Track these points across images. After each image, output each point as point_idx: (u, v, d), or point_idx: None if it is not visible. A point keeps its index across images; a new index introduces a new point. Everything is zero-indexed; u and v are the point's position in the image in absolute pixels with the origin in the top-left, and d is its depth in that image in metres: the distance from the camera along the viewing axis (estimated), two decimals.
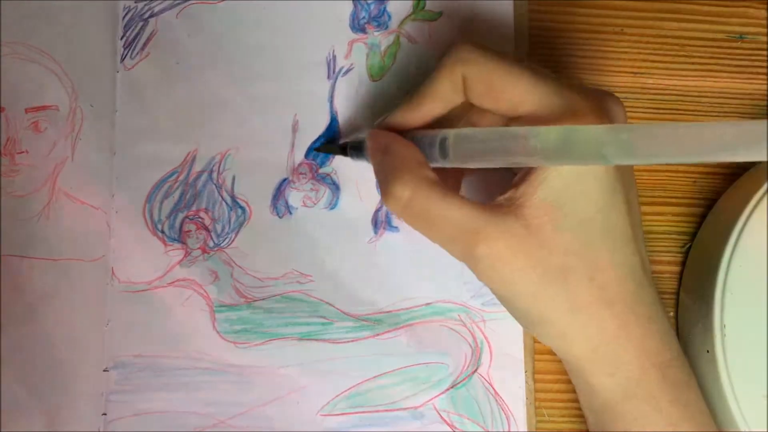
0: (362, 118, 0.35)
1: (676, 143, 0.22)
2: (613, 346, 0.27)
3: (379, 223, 0.35)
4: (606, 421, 0.29)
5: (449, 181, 0.32)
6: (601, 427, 0.29)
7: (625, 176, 0.27)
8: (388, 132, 0.30)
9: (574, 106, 0.26)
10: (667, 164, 0.37)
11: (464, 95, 0.28)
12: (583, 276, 0.27)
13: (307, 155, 0.35)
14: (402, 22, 0.36)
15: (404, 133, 0.30)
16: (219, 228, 0.34)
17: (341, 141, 0.35)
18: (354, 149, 0.33)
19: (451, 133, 0.27)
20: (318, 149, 0.35)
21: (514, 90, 0.27)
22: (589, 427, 0.30)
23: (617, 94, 0.36)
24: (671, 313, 0.36)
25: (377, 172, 0.29)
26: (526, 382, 0.34)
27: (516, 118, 0.27)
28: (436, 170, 0.28)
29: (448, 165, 0.27)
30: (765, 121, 0.20)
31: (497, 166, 0.26)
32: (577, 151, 0.23)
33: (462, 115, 0.30)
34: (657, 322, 0.28)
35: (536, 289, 0.27)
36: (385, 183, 0.28)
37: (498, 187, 0.28)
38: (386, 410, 0.34)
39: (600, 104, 0.27)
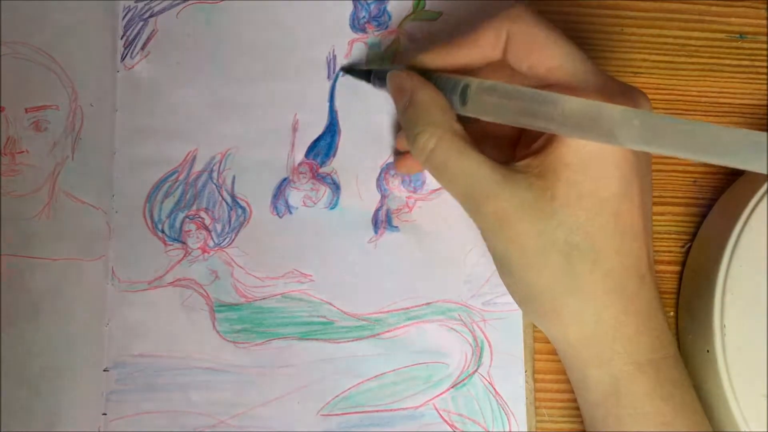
0: (362, 118, 0.35)
1: (686, 139, 0.22)
2: (607, 337, 0.27)
3: (379, 223, 0.35)
4: (600, 416, 0.28)
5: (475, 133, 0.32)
6: (595, 423, 0.29)
7: (643, 169, 0.27)
8: (412, 74, 0.30)
9: (606, 88, 0.26)
10: (671, 159, 0.37)
11: (503, 53, 0.29)
12: (587, 258, 0.26)
13: (307, 155, 0.35)
14: (402, 22, 0.36)
15: (427, 72, 0.30)
16: (219, 228, 0.34)
17: (367, 67, 0.35)
18: (378, 78, 0.33)
19: (474, 81, 0.28)
20: (344, 69, 0.35)
21: (554, 56, 0.27)
22: (585, 425, 0.30)
23: None
24: (671, 313, 0.36)
25: (402, 118, 0.29)
26: (526, 381, 0.34)
27: (546, 86, 0.27)
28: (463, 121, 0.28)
29: (464, 113, 0.28)
30: (765, 133, 0.20)
31: (511, 125, 0.26)
32: (593, 127, 0.24)
33: (494, 69, 0.30)
34: (654, 319, 0.28)
35: (537, 258, 0.27)
36: (410, 132, 0.28)
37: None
38: (386, 410, 0.34)
39: (629, 95, 0.27)
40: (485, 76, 0.30)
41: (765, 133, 0.21)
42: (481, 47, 0.29)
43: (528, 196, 0.26)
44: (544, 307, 0.28)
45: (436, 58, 0.30)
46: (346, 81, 0.35)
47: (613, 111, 0.23)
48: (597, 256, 0.27)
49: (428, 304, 0.35)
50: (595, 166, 0.26)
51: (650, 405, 0.27)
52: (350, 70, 0.35)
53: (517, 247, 0.27)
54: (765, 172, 0.21)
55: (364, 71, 0.34)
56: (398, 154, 0.35)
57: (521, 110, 0.26)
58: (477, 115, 0.28)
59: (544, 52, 0.28)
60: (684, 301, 0.36)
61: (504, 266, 0.28)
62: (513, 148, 0.32)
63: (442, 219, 0.35)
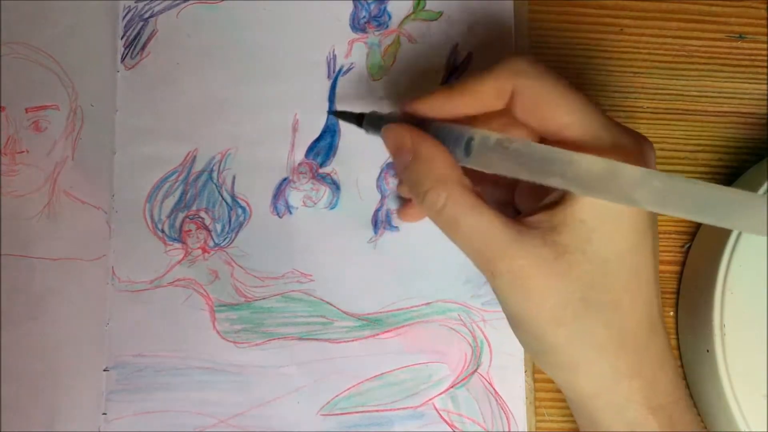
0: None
1: (708, 204, 0.21)
2: (622, 387, 0.27)
3: (379, 223, 0.35)
4: None
5: (481, 184, 0.32)
6: None
7: (653, 219, 0.27)
8: (412, 129, 0.29)
9: (620, 143, 0.26)
10: (670, 159, 0.37)
11: (505, 104, 0.28)
12: (603, 313, 0.26)
13: (307, 155, 0.35)
14: (402, 22, 0.36)
15: (425, 121, 0.29)
16: (219, 227, 0.34)
17: (360, 111, 0.34)
18: (371, 124, 0.31)
19: (478, 134, 0.27)
20: (334, 113, 0.35)
21: (565, 113, 0.26)
22: None
23: (617, 94, 0.37)
24: (671, 313, 0.36)
25: (404, 174, 0.28)
26: (526, 381, 0.34)
27: (557, 143, 0.27)
28: (469, 173, 0.28)
29: (467, 165, 0.27)
30: None
31: (519, 178, 0.26)
32: (609, 187, 0.23)
33: (494, 117, 0.29)
34: (666, 365, 0.28)
35: (552, 315, 0.26)
36: (419, 189, 0.27)
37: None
38: (386, 410, 0.34)
39: (640, 147, 0.27)
40: (486, 123, 0.29)
41: None
42: (484, 98, 0.28)
43: (543, 252, 0.26)
44: (559, 360, 0.28)
45: (433, 107, 0.29)
46: (346, 81, 0.35)
47: (633, 172, 0.23)
48: (613, 311, 0.26)
49: (428, 304, 0.35)
50: (611, 221, 0.26)
51: None
52: (340, 113, 0.34)
53: (533, 305, 0.26)
54: None
55: (355, 115, 0.32)
56: (401, 200, 0.34)
57: (531, 167, 0.25)
58: (482, 168, 0.27)
59: (554, 109, 0.27)
60: (684, 301, 0.36)
61: (518, 322, 0.28)
62: (513, 188, 0.32)
63: None
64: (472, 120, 0.29)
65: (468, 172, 0.28)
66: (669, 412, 0.27)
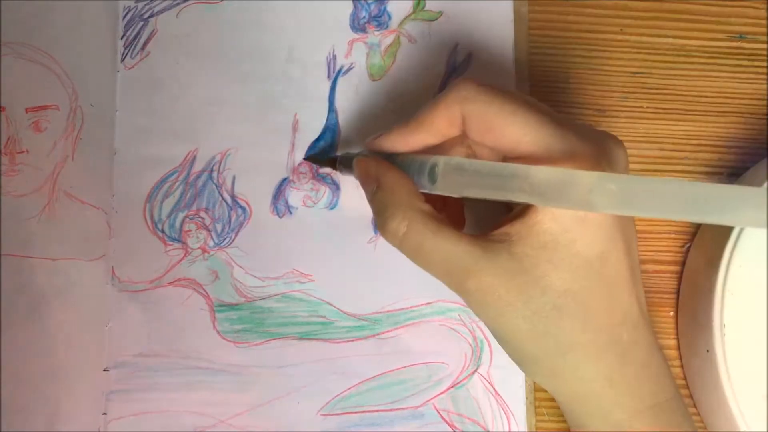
0: (362, 118, 0.35)
1: (665, 200, 0.21)
2: (606, 389, 0.27)
3: None
4: None
5: (450, 208, 0.32)
6: None
7: (625, 219, 0.27)
8: (378, 160, 0.30)
9: (575, 149, 0.26)
10: (671, 159, 0.37)
11: (461, 130, 0.28)
12: (578, 318, 0.26)
13: (307, 155, 0.35)
14: (402, 22, 0.36)
15: (394, 155, 0.30)
16: (219, 228, 0.34)
17: (333, 155, 0.35)
18: (343, 165, 0.33)
19: (441, 160, 0.27)
20: (309, 158, 0.35)
21: (514, 131, 0.27)
22: None
23: (617, 94, 0.37)
24: (671, 313, 0.36)
25: (371, 204, 0.29)
26: (526, 381, 0.34)
27: (515, 159, 0.27)
28: (435, 198, 0.28)
29: (435, 192, 0.28)
30: (760, 188, 0.20)
31: (485, 198, 0.26)
32: (567, 196, 0.23)
33: (459, 141, 0.30)
34: (652, 366, 0.28)
35: (528, 325, 0.26)
36: (381, 218, 0.28)
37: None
38: (386, 410, 0.34)
39: (600, 148, 0.26)
40: (449, 148, 0.30)
41: (750, 188, 0.20)
42: (438, 129, 0.29)
43: (510, 265, 0.26)
44: (542, 369, 0.28)
45: (394, 143, 0.30)
46: (346, 81, 0.35)
47: (587, 178, 0.23)
48: (587, 315, 0.26)
49: (428, 304, 0.35)
50: (576, 228, 0.26)
51: None
52: (315, 158, 0.35)
53: (506, 320, 0.27)
54: (757, 227, 0.20)
55: (330, 159, 0.34)
56: None
57: (492, 185, 0.25)
58: (449, 193, 0.27)
59: (504, 128, 0.27)
60: (684, 301, 0.36)
61: (497, 336, 0.28)
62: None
63: None
64: (436, 149, 0.30)
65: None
66: (656, 413, 0.27)
